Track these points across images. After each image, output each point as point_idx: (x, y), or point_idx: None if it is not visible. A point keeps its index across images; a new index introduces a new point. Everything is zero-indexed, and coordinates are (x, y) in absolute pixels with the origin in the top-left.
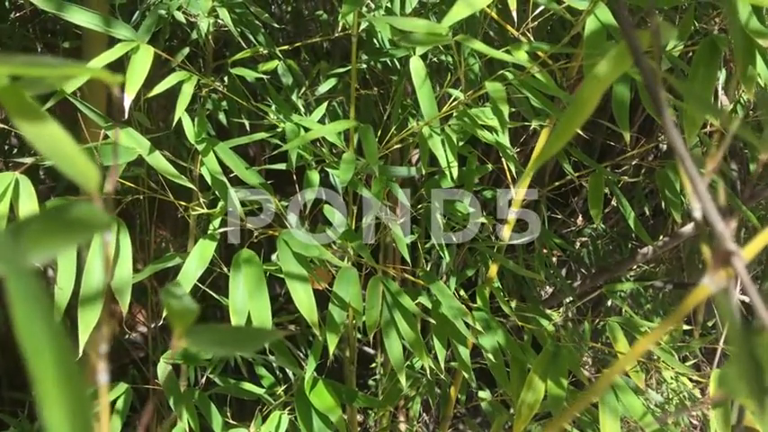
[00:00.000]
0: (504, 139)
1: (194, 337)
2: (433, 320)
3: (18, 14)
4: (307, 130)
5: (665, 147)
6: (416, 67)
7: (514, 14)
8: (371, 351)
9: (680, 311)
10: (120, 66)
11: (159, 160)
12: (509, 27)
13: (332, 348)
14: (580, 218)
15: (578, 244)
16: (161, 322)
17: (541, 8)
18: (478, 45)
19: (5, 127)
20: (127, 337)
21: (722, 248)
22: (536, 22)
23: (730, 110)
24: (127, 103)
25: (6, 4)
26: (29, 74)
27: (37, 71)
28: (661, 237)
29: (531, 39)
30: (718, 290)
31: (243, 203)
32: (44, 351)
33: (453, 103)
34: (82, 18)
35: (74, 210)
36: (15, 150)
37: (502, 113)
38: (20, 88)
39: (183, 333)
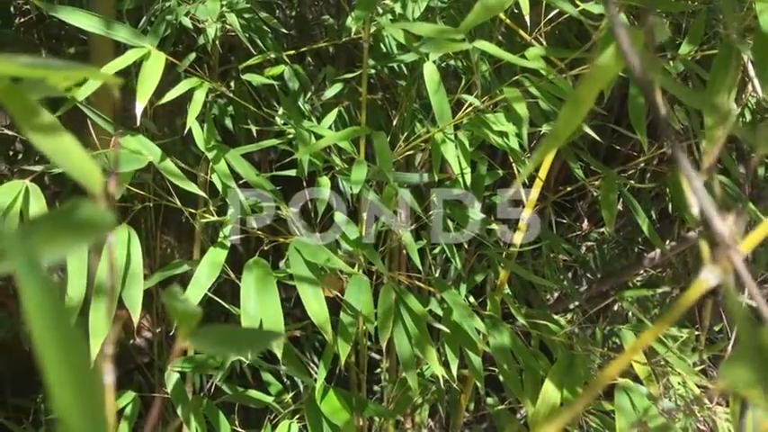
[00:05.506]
0: (516, 144)
1: (198, 339)
2: (445, 328)
3: (23, 20)
4: (318, 136)
5: (670, 151)
6: (430, 72)
7: (527, 18)
8: (377, 356)
9: (680, 307)
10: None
11: (170, 167)
12: (521, 32)
13: (343, 356)
14: (586, 222)
15: (584, 248)
16: (167, 328)
17: (553, 13)
18: (495, 50)
19: (10, 133)
20: (132, 342)
21: (720, 242)
22: (548, 27)
23: (738, 113)
24: (139, 110)
25: (11, 9)
26: (30, 75)
27: (38, 72)
28: (668, 241)
29: (544, 43)
30: (718, 283)
31: (252, 210)
32: (56, 347)
33: (468, 109)
34: (87, 22)
35: (80, 211)
36: (20, 156)
37: (520, 118)
38: (22, 90)
39: (187, 334)
